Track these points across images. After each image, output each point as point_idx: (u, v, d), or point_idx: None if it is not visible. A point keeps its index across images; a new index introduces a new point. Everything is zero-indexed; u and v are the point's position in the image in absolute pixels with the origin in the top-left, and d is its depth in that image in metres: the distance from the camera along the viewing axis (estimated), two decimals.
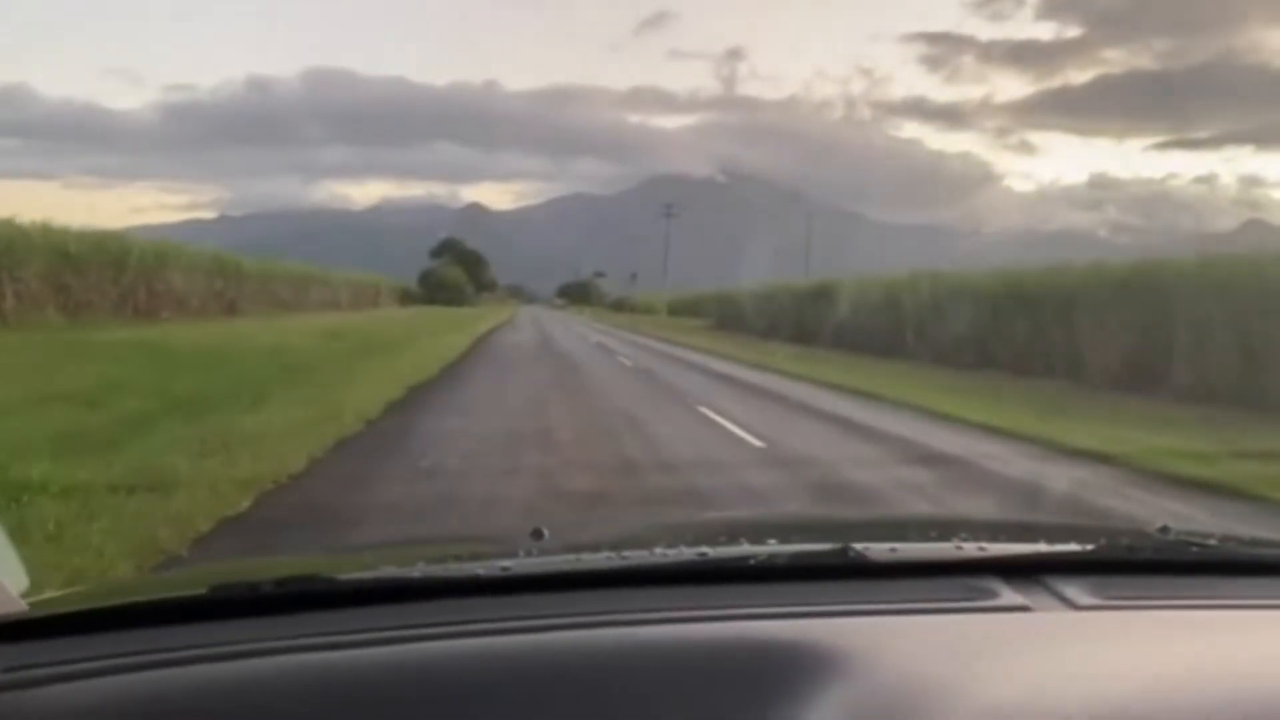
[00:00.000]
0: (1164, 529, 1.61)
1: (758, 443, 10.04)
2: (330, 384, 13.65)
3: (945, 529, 1.60)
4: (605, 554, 1.40)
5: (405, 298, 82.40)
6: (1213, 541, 1.55)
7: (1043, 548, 1.44)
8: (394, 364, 18.12)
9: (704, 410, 12.82)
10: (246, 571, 1.49)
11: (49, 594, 1.33)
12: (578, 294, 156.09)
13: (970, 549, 1.35)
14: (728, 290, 59.96)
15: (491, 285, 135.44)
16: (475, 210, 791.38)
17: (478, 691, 0.96)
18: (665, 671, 0.99)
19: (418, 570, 1.38)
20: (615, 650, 1.04)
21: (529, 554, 1.42)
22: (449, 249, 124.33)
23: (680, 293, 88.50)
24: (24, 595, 1.18)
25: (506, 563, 1.30)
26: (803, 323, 37.93)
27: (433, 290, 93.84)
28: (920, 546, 1.49)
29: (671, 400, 14.71)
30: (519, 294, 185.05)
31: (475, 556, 1.50)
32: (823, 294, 37.48)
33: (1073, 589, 1.24)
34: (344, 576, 1.32)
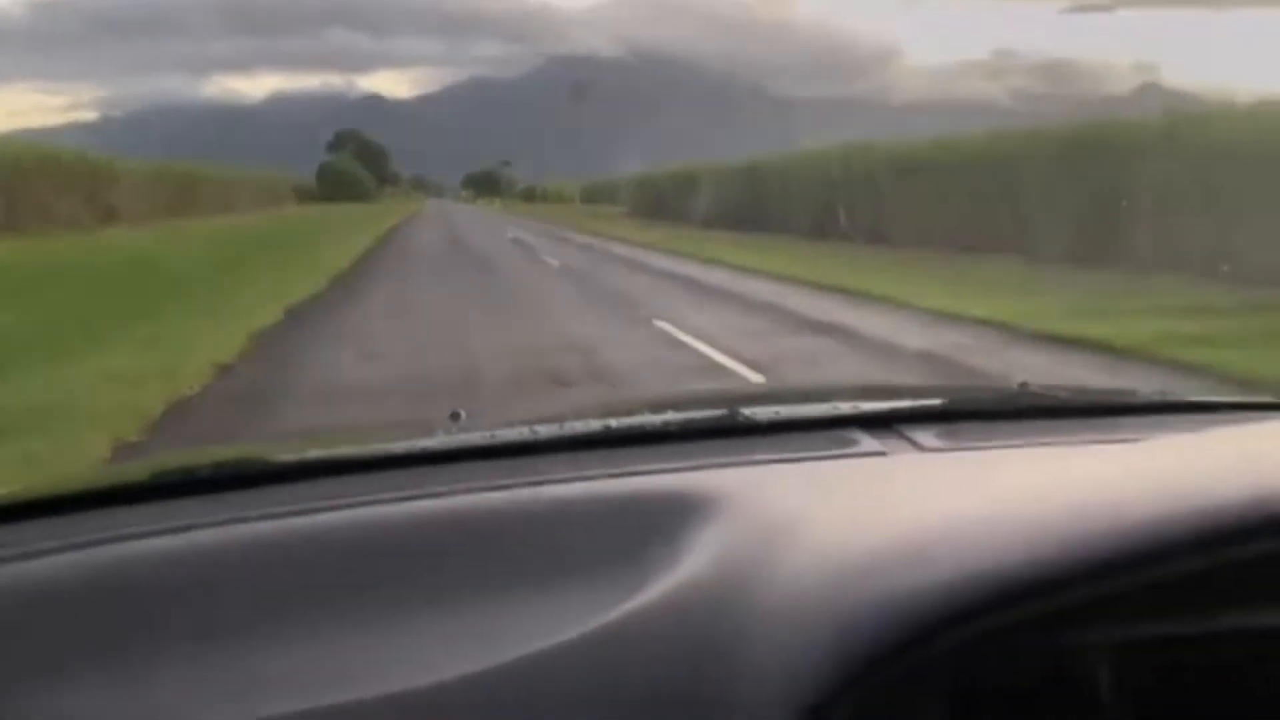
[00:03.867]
0: (1023, 384, 1.75)
1: (755, 375, 7.71)
2: (193, 309, 11.31)
3: (825, 394, 1.79)
4: (518, 429, 1.47)
5: (303, 195, 77.90)
6: (1059, 392, 1.75)
7: (902, 403, 1.61)
8: (279, 276, 15.74)
9: (664, 326, 10.31)
10: (185, 459, 1.55)
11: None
12: (485, 185, 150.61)
13: (844, 408, 1.52)
14: (645, 174, 57.46)
15: (394, 179, 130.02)
16: (374, 100, 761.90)
17: (401, 551, 1.06)
18: (569, 524, 1.10)
19: (344, 450, 1.50)
20: (525, 509, 1.15)
21: (447, 433, 1.50)
22: (347, 142, 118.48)
23: (593, 179, 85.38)
24: None
25: (427, 441, 1.41)
26: (726, 206, 35.99)
27: (331, 187, 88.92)
28: (798, 407, 1.63)
29: (621, 315, 12.05)
30: (424, 187, 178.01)
31: (398, 437, 1.61)
32: (749, 174, 35.51)
33: (924, 435, 1.39)
34: (276, 458, 1.41)
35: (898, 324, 10.69)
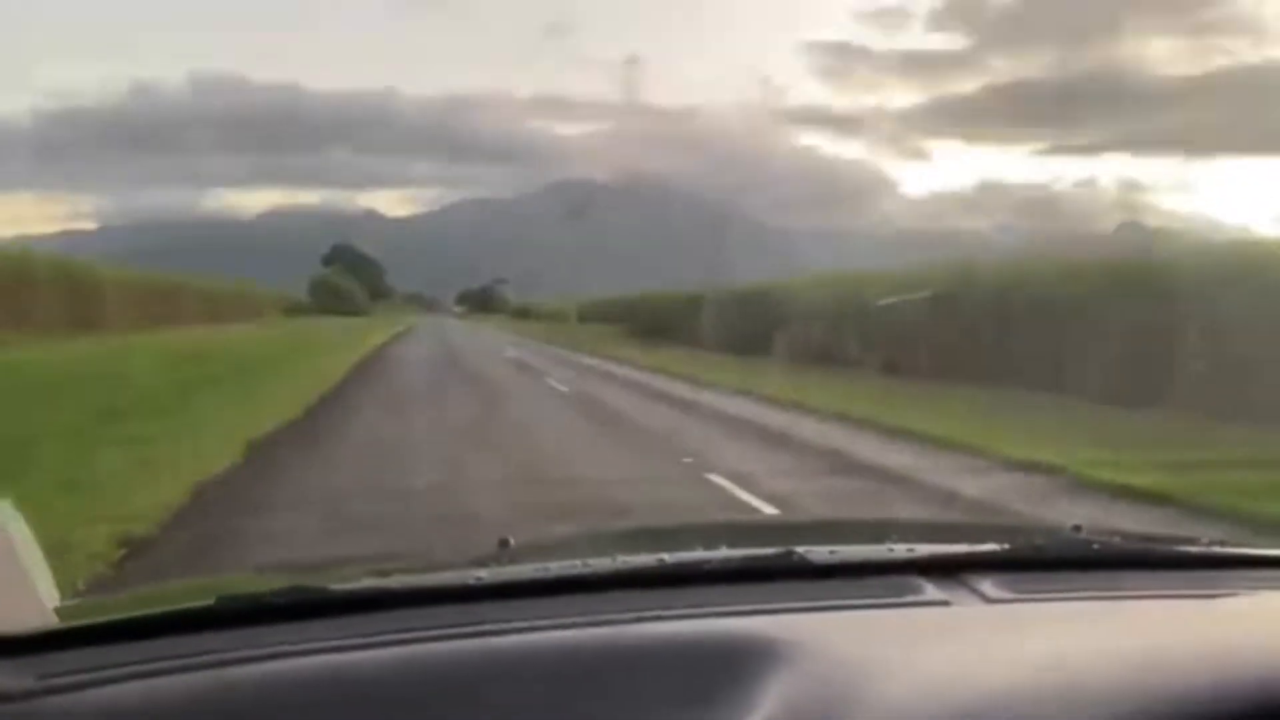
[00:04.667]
0: (1077, 528, 1.72)
1: None
2: (128, 441, 9.51)
3: (879, 531, 1.75)
4: (570, 561, 1.45)
5: (293, 308, 76.88)
6: (1117, 539, 1.73)
7: (961, 548, 1.54)
8: (241, 401, 14.01)
9: (721, 482, 8.31)
10: (246, 584, 1.58)
11: (66, 603, 1.36)
12: (479, 301, 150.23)
13: (900, 550, 1.47)
14: (642, 295, 56.49)
15: (388, 293, 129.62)
16: (372, 217, 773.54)
17: (462, 689, 1.05)
18: (628, 666, 1.08)
19: (402, 580, 1.47)
20: (583, 649, 1.12)
21: (499, 563, 1.49)
22: (341, 256, 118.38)
23: (590, 298, 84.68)
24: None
25: (480, 572, 1.37)
26: (727, 330, 34.62)
27: (324, 300, 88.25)
28: (855, 549, 1.57)
29: (662, 463, 9.96)
30: (418, 301, 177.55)
31: (451, 566, 1.61)
32: (752, 299, 34.28)
33: (987, 585, 1.35)
34: (336, 587, 1.39)
35: (974, 474, 8.99)
